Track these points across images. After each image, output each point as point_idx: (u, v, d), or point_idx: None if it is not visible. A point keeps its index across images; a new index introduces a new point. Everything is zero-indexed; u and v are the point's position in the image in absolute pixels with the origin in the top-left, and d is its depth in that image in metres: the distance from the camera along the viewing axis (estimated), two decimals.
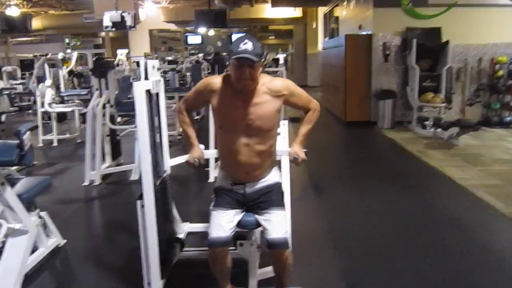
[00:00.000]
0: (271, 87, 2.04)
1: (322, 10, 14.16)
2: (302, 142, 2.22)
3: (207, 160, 4.47)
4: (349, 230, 3.32)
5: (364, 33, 8.17)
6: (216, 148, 2.42)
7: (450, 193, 4.23)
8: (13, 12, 11.29)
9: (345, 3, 10.05)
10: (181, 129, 7.08)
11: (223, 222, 2.02)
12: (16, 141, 2.38)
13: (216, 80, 2.08)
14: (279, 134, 2.30)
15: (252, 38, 1.97)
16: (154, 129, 2.28)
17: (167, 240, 2.43)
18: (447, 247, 2.99)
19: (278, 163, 2.30)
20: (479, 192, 4.03)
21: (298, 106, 2.17)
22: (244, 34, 2.12)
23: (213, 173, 4.46)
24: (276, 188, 2.16)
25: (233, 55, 1.92)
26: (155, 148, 2.28)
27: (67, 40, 21.06)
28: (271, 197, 2.10)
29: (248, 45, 1.91)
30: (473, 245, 3.03)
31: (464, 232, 3.24)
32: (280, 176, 2.25)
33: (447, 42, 7.03)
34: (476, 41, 7.49)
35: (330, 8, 12.66)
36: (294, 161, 2.21)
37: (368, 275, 2.62)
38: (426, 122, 7.11)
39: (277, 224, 2.01)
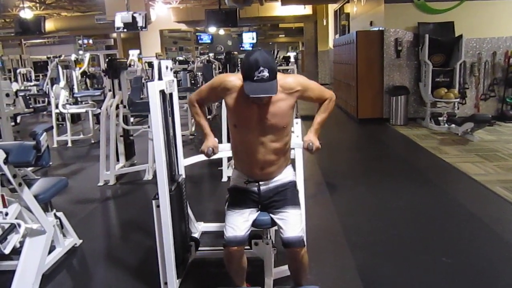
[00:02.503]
0: (284, 84, 2.01)
1: (332, 7, 14.08)
2: (317, 131, 2.19)
3: (220, 159, 4.49)
4: (364, 227, 3.30)
5: (376, 29, 8.11)
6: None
7: (466, 189, 4.18)
8: (27, 14, 11.44)
9: None
10: (193, 129, 7.12)
11: (239, 222, 2.02)
12: (33, 142, 2.41)
13: (231, 78, 2.06)
14: (293, 132, 2.29)
15: (265, 56, 1.84)
16: (168, 129, 2.29)
17: (183, 239, 2.44)
18: (465, 243, 2.96)
19: (292, 162, 2.29)
20: (496, 188, 3.97)
21: (313, 99, 2.16)
22: (254, 50, 1.99)
23: (226, 172, 4.47)
24: (291, 186, 2.15)
25: (248, 87, 1.84)
26: (169, 148, 2.30)
27: (79, 42, 21.27)
28: (286, 196, 2.09)
29: (264, 73, 1.81)
30: (491, 241, 2.99)
31: (482, 228, 3.20)
32: (294, 174, 2.24)
33: (460, 36, 6.94)
34: (490, 34, 7.39)
35: (340, 5, 12.58)
36: (308, 148, 2.15)
37: (386, 273, 2.60)
38: (440, 118, 7.05)
39: (293, 223, 2.01)
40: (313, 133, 2.18)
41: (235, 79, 2.04)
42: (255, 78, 1.81)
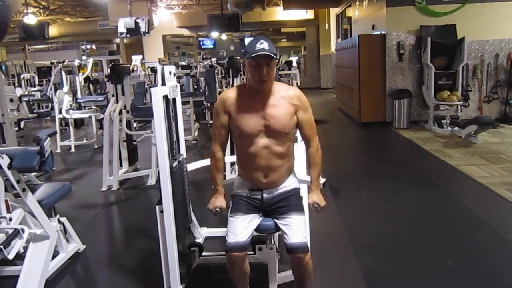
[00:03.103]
0: (286, 92, 2.09)
1: (334, 11, 14.11)
2: (318, 187, 2.17)
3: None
4: (368, 231, 3.29)
5: (378, 32, 8.11)
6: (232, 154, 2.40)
7: (470, 191, 4.17)
8: (31, 20, 11.50)
9: (357, 3, 10.00)
10: (196, 134, 7.07)
11: (241, 227, 2.02)
12: (37, 148, 2.41)
13: (230, 93, 2.12)
14: (296, 141, 2.28)
15: (267, 39, 2.00)
16: (172, 134, 2.29)
17: (186, 245, 2.43)
18: (470, 246, 2.95)
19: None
20: (500, 190, 3.96)
21: (302, 129, 2.12)
22: (257, 36, 2.15)
23: (229, 177, 4.45)
24: (294, 193, 2.16)
25: (249, 55, 1.95)
26: (173, 153, 2.30)
27: (82, 47, 21.39)
28: (290, 202, 2.10)
29: (264, 45, 1.95)
30: (496, 244, 2.98)
31: (486, 231, 3.19)
32: (297, 182, 2.24)
33: (462, 39, 6.93)
34: (492, 36, 7.38)
35: (342, 9, 12.61)
36: (315, 210, 2.14)
37: (391, 276, 2.59)
38: (443, 121, 7.03)
39: (297, 228, 2.01)
40: (315, 192, 2.15)
41: (233, 92, 2.12)
42: (255, 49, 1.94)
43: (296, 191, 2.17)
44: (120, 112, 4.69)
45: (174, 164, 2.20)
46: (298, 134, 2.21)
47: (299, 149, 2.41)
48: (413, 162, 5.41)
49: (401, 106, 7.42)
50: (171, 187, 2.13)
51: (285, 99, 2.06)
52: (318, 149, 2.17)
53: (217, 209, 2.14)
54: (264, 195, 2.11)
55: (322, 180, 2.23)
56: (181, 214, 2.28)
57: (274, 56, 1.98)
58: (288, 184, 2.16)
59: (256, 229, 2.08)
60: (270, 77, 2.00)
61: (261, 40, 1.97)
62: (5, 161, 2.28)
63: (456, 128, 6.58)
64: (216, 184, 2.21)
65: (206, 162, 2.98)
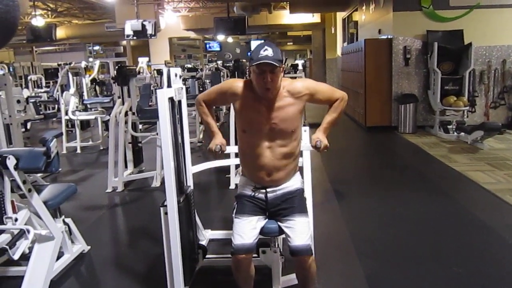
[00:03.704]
0: (291, 89, 2.05)
1: (340, 15, 14.10)
2: (326, 130, 2.15)
3: (228, 166, 4.49)
4: (373, 236, 3.28)
5: (384, 37, 8.10)
6: (237, 152, 2.40)
7: (476, 197, 4.14)
8: (38, 22, 11.61)
9: (364, 7, 10.00)
10: (201, 136, 7.12)
11: (247, 229, 2.02)
12: (43, 149, 2.43)
13: (239, 84, 2.09)
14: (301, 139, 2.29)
15: (272, 45, 1.98)
16: (177, 137, 2.30)
17: (191, 248, 2.43)
18: (476, 252, 2.92)
19: (300, 169, 2.29)
20: (506, 197, 3.93)
21: (323, 102, 2.14)
22: (263, 41, 2.14)
23: (234, 180, 4.47)
24: (298, 194, 2.15)
25: (254, 62, 1.94)
26: (178, 155, 2.30)
27: (89, 49, 21.52)
28: (293, 204, 2.09)
29: (268, 52, 1.93)
30: (502, 250, 2.96)
31: (492, 237, 3.16)
32: (302, 182, 2.24)
33: (469, 44, 6.90)
34: (500, 42, 7.35)
35: (348, 13, 12.60)
36: (316, 146, 2.11)
37: (395, 282, 2.57)
38: (449, 126, 7.00)
39: (300, 231, 2.00)
40: (322, 132, 2.15)
41: (243, 84, 2.08)
42: (259, 56, 1.92)
43: (300, 191, 2.17)
44: (126, 114, 4.71)
45: (182, 199, 2.21)
46: (302, 135, 2.21)
47: (305, 133, 2.42)
48: (418, 167, 5.39)
49: (407, 110, 7.39)
50: (178, 220, 2.13)
51: (290, 97, 2.03)
52: (340, 101, 2.15)
53: (218, 146, 2.17)
54: (268, 194, 2.10)
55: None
56: (187, 246, 2.28)
57: (277, 64, 1.93)
58: (293, 183, 2.15)
59: (260, 232, 2.07)
60: (274, 84, 1.96)
61: (266, 47, 1.95)
62: (11, 162, 2.29)
63: (462, 133, 6.55)
64: (211, 126, 2.25)
65: (211, 164, 2.99)
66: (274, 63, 1.91)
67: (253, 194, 2.12)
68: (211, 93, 2.23)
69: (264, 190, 2.11)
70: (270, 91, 1.98)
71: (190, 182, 2.53)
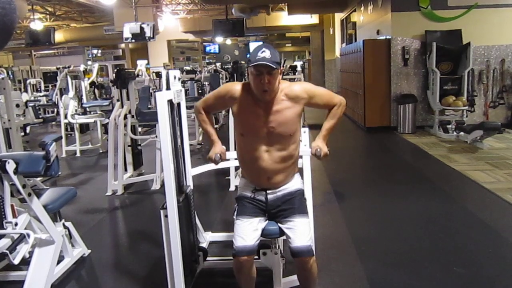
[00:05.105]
0: (289, 92, 2.04)
1: (339, 16, 14.13)
2: (326, 137, 2.17)
3: (227, 168, 4.49)
4: (374, 236, 3.27)
5: (383, 37, 8.11)
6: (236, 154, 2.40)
7: (476, 197, 4.14)
8: (37, 25, 11.61)
9: (362, 8, 10.01)
10: (201, 138, 7.10)
11: (248, 231, 2.01)
12: (42, 152, 2.42)
13: (238, 87, 2.09)
14: (301, 140, 2.29)
15: (270, 47, 1.98)
16: (176, 139, 2.29)
17: (191, 249, 2.43)
18: (476, 252, 2.92)
19: (300, 170, 2.28)
20: (507, 196, 3.92)
21: (320, 106, 2.14)
22: (261, 43, 2.15)
23: (234, 182, 4.47)
24: (298, 195, 2.14)
25: (251, 63, 1.94)
26: (177, 157, 2.30)
27: (88, 52, 21.53)
28: (293, 205, 2.09)
29: (266, 53, 1.92)
30: (503, 250, 2.95)
31: (493, 237, 3.16)
32: (302, 183, 2.24)
33: (468, 44, 6.92)
34: (498, 42, 7.36)
35: (347, 14, 12.62)
36: (316, 154, 2.13)
37: (396, 282, 2.56)
38: (449, 126, 7.01)
39: (301, 232, 2.00)
40: (321, 139, 2.16)
41: (241, 88, 2.07)
42: (257, 58, 1.92)
43: (300, 192, 2.16)
44: (125, 117, 4.71)
45: (181, 199, 2.20)
46: (301, 136, 2.21)
47: (304, 134, 2.42)
48: (418, 167, 5.38)
49: (406, 111, 7.40)
50: (178, 220, 2.12)
51: (288, 101, 2.03)
52: (339, 107, 2.16)
53: (218, 154, 2.18)
54: (268, 196, 2.10)
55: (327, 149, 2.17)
56: (187, 246, 2.27)
57: (275, 66, 1.92)
58: (292, 184, 2.15)
59: (261, 234, 2.06)
60: (271, 86, 1.96)
61: (264, 49, 1.94)
62: (11, 166, 2.29)
63: (462, 133, 6.55)
64: (211, 134, 2.26)
65: (211, 166, 2.98)
66: (272, 65, 1.91)
67: (253, 195, 2.12)
68: (210, 99, 2.23)
69: (264, 192, 2.11)
70: (268, 93, 1.97)
71: (190, 184, 2.53)
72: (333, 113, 2.16)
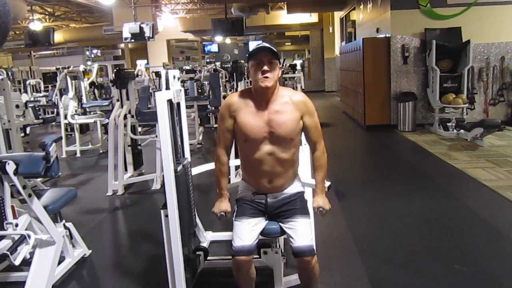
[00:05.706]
0: (292, 96, 2.09)
1: (338, 15, 14.12)
2: (323, 190, 2.17)
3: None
4: (374, 235, 3.28)
5: (382, 35, 8.11)
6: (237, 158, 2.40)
7: (477, 195, 4.14)
8: (36, 26, 11.60)
9: (361, 6, 10.00)
10: (201, 138, 7.06)
11: (246, 231, 2.02)
12: (42, 153, 2.42)
13: (235, 98, 2.13)
14: (301, 144, 2.28)
15: (269, 42, 2.05)
16: (176, 139, 2.29)
17: (191, 249, 2.43)
18: (477, 250, 2.92)
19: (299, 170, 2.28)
20: (507, 193, 3.93)
21: (308, 131, 2.12)
22: (261, 41, 2.21)
23: (234, 181, 4.45)
24: (299, 197, 2.16)
25: (251, 54, 2.01)
26: (177, 157, 2.29)
27: (87, 52, 21.52)
28: (295, 205, 2.10)
29: (264, 44, 2.01)
30: (503, 247, 2.95)
31: (493, 234, 3.16)
32: (302, 186, 2.24)
33: (468, 42, 6.91)
34: (498, 39, 7.36)
35: (346, 12, 12.61)
36: (320, 214, 2.15)
37: (397, 281, 2.57)
38: (449, 124, 7.01)
39: (303, 232, 2.00)
40: (320, 195, 2.16)
41: (239, 95, 2.13)
42: (256, 48, 2.01)
43: (300, 194, 2.17)
44: (125, 117, 4.70)
45: (179, 168, 2.20)
46: (303, 137, 2.21)
47: (304, 152, 2.40)
48: (418, 165, 5.38)
49: (406, 109, 7.40)
50: (176, 191, 2.13)
51: (290, 105, 2.06)
52: (323, 153, 2.17)
53: (222, 213, 2.17)
54: (268, 199, 2.12)
55: (327, 184, 2.22)
56: (186, 218, 2.28)
57: (275, 50, 1.99)
58: (292, 188, 2.16)
59: (261, 233, 2.07)
60: (272, 75, 1.99)
61: (262, 42, 2.03)
62: (11, 167, 2.29)
63: (462, 131, 6.55)
64: (221, 188, 2.22)
65: (211, 166, 2.98)
66: (271, 47, 1.99)
67: (253, 197, 2.13)
68: (220, 134, 2.17)
69: (264, 195, 2.13)
70: (268, 80, 1.98)
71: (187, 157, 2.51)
72: (321, 164, 2.17)
